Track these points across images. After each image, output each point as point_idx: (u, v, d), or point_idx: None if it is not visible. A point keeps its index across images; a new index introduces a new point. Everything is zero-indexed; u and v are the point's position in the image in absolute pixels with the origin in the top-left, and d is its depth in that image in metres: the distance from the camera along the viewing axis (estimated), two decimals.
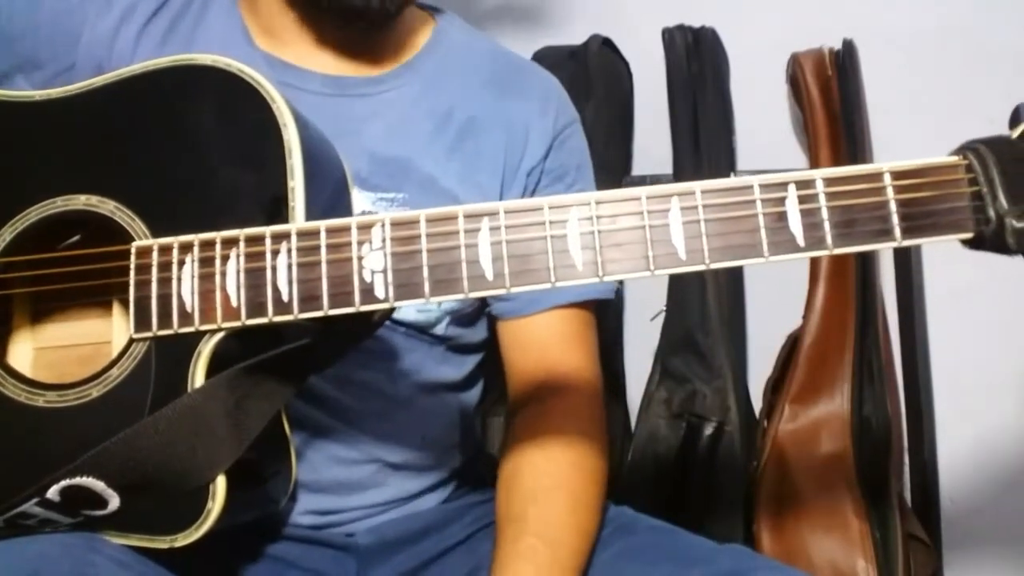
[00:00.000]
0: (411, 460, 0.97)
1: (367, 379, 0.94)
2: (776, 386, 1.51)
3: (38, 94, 0.86)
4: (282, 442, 0.83)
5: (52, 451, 0.76)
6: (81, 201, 0.81)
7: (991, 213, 0.67)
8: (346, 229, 0.72)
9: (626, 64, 1.71)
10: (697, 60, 1.63)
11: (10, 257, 0.81)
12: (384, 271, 0.71)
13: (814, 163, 1.60)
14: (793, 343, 1.51)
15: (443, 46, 1.02)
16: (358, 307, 0.71)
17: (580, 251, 0.69)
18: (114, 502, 0.73)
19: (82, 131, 0.84)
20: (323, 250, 0.72)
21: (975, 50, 1.64)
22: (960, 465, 1.62)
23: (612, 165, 1.61)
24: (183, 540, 0.74)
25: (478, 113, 0.99)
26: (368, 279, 0.71)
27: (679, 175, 1.59)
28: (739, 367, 1.53)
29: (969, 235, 0.68)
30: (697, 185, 0.68)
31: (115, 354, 0.84)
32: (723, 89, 1.64)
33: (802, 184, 0.68)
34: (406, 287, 0.70)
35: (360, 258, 0.71)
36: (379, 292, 0.71)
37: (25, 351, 0.87)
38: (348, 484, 0.95)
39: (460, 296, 0.70)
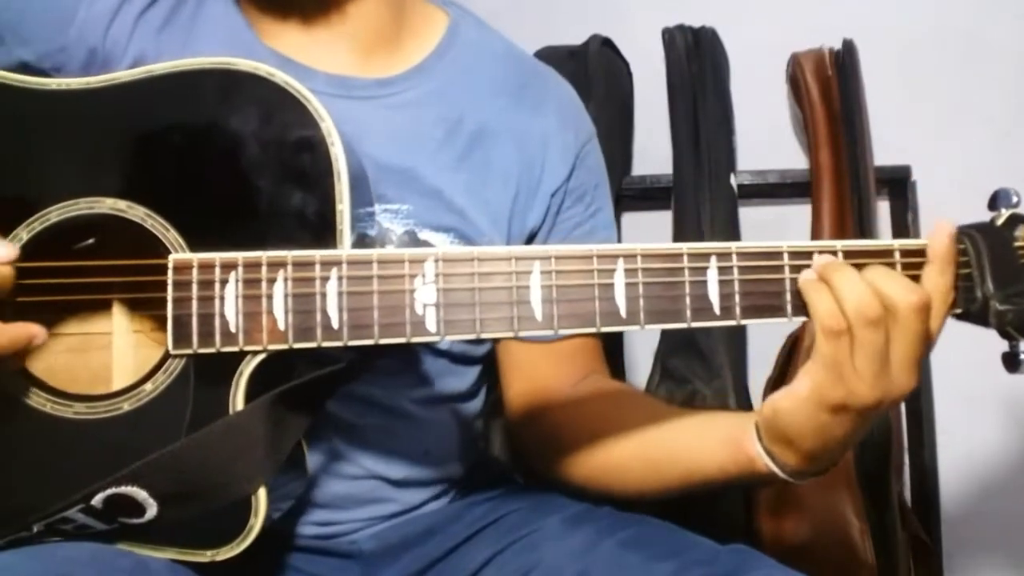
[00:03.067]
0: (413, 475, 0.95)
1: (367, 394, 0.91)
2: (776, 386, 1.51)
3: (54, 82, 0.82)
4: (300, 449, 0.83)
5: (85, 462, 0.75)
6: (107, 205, 0.77)
7: (978, 294, 0.75)
8: (399, 261, 0.73)
9: (626, 64, 1.71)
10: (697, 60, 1.63)
11: (26, 262, 0.78)
12: (436, 305, 0.72)
13: (814, 163, 1.60)
14: (793, 343, 1.51)
15: (456, 46, 0.97)
16: (409, 338, 0.72)
17: (624, 300, 0.73)
18: (151, 511, 0.73)
19: (107, 129, 0.80)
20: (375, 281, 0.72)
21: (975, 50, 1.64)
22: (960, 465, 1.62)
23: (612, 165, 1.59)
24: (225, 554, 0.74)
25: (490, 122, 0.95)
26: (420, 312, 0.72)
27: (679, 175, 1.59)
28: (739, 367, 1.52)
29: (958, 311, 0.76)
30: (734, 245, 0.74)
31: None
32: (723, 89, 1.64)
33: (824, 253, 0.74)
34: (456, 323, 0.72)
35: (412, 291, 0.72)
36: (430, 326, 0.72)
37: None
38: (349, 499, 0.93)
39: (510, 335, 0.73)
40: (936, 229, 0.74)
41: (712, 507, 1.45)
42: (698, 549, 0.84)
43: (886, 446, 1.46)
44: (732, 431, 0.80)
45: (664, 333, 1.51)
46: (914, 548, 1.48)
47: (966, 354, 1.56)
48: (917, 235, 1.59)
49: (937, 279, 0.73)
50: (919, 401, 1.59)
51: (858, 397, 0.71)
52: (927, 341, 0.72)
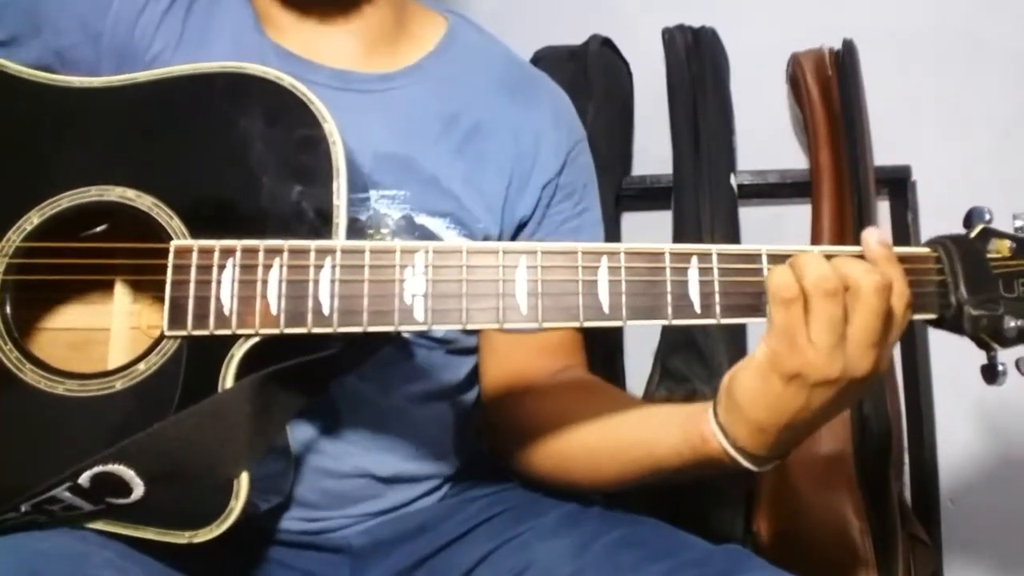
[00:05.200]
0: (404, 472, 0.96)
1: (359, 390, 0.91)
2: None
3: (76, 80, 0.86)
4: (284, 439, 0.85)
5: (74, 439, 0.77)
6: (116, 193, 0.81)
7: (952, 300, 0.78)
8: (390, 252, 0.75)
9: (626, 64, 1.71)
10: (697, 60, 1.63)
11: (35, 242, 0.81)
12: (425, 295, 0.74)
13: (814, 163, 1.60)
14: None
15: (456, 47, 1.02)
16: (397, 327, 0.74)
17: (607, 296, 0.74)
18: (138, 491, 0.74)
19: (121, 124, 0.84)
20: (367, 270, 0.75)
21: (975, 50, 1.64)
22: (960, 465, 1.62)
23: (612, 165, 1.61)
24: (203, 536, 0.75)
25: (486, 117, 0.99)
26: (408, 301, 0.74)
27: (679, 175, 1.59)
28: None
29: (933, 316, 0.79)
30: (715, 247, 0.76)
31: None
32: (723, 89, 1.64)
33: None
34: (443, 312, 0.74)
35: (402, 281, 0.74)
36: (418, 315, 0.74)
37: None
38: (339, 497, 0.93)
39: (495, 326, 0.74)
40: (862, 237, 0.76)
41: (712, 507, 1.45)
42: (692, 550, 0.85)
43: (886, 446, 1.46)
44: (692, 412, 0.82)
45: (664, 333, 1.51)
46: (914, 548, 1.48)
47: (966, 354, 1.56)
48: (917, 235, 1.59)
49: (890, 270, 0.74)
50: (919, 401, 1.59)
51: (814, 368, 0.72)
52: (888, 325, 0.73)
